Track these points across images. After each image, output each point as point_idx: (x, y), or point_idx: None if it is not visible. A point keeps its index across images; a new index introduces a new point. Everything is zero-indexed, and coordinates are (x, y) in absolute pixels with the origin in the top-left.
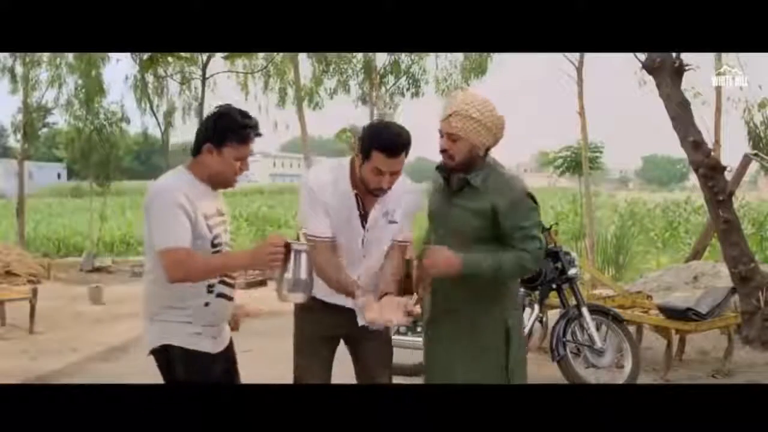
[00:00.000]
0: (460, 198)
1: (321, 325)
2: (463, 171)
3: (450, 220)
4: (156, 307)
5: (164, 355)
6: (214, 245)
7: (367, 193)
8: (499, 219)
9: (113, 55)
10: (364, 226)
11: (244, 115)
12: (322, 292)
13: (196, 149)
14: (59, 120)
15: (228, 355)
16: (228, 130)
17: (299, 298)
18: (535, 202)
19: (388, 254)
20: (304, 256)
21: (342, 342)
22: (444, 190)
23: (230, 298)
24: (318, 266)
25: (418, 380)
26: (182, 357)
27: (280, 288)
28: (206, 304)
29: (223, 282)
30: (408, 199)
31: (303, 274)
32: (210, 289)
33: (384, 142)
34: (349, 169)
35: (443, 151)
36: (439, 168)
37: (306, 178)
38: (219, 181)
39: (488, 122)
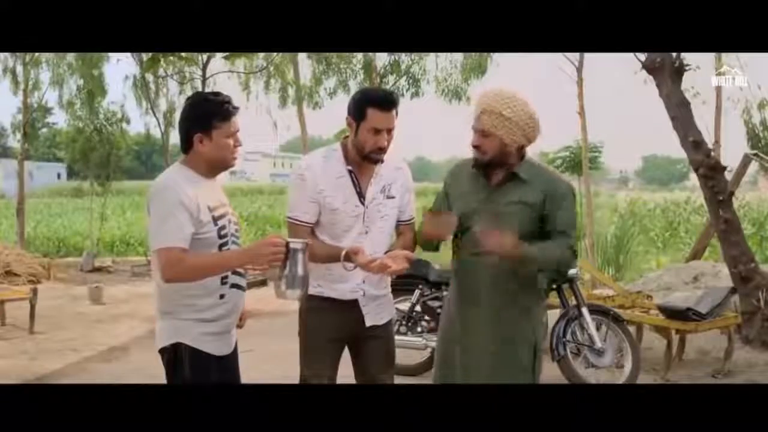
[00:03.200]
0: (504, 193)
1: (327, 327)
2: (497, 166)
3: (495, 217)
4: (168, 304)
5: (173, 353)
6: (221, 236)
7: (362, 169)
8: (546, 210)
9: (113, 55)
10: (363, 203)
11: (216, 94)
12: (328, 288)
13: (186, 144)
14: (59, 120)
15: (231, 361)
16: (208, 113)
17: (297, 294)
18: (574, 195)
19: (398, 234)
20: (300, 254)
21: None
22: (480, 187)
23: (243, 289)
24: None
25: (419, 380)
26: (190, 356)
27: (278, 285)
28: (221, 296)
29: (235, 272)
30: (402, 174)
31: (301, 272)
32: (224, 280)
33: (377, 96)
34: (342, 151)
35: (475, 147)
36: (476, 165)
37: (298, 165)
38: (218, 166)
39: (519, 120)
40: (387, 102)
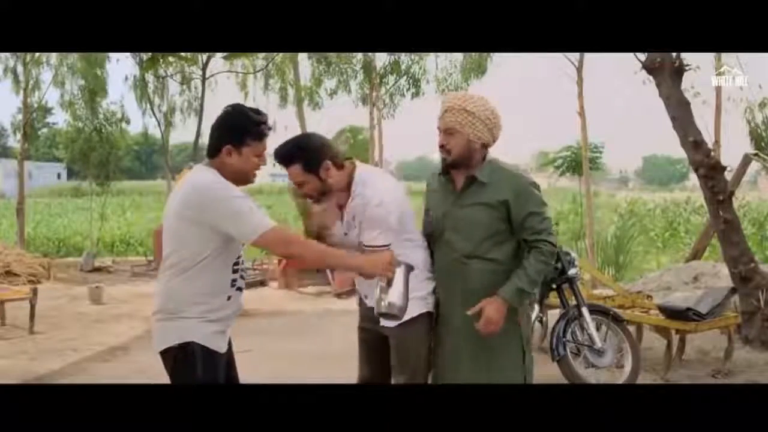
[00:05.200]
0: (468, 196)
1: (361, 319)
2: (462, 167)
3: (460, 220)
4: (177, 304)
5: (182, 352)
6: (235, 263)
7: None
8: (510, 210)
9: (113, 55)
10: (345, 232)
11: (257, 112)
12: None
13: (214, 151)
14: (59, 120)
15: (229, 357)
16: (245, 130)
17: (396, 311)
18: (537, 187)
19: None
20: (402, 276)
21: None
22: (448, 192)
23: (242, 291)
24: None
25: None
26: (202, 355)
27: (380, 301)
28: (228, 298)
29: (242, 276)
30: (359, 206)
31: (402, 294)
32: (233, 283)
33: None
34: None
35: (441, 147)
36: (441, 172)
37: None
38: (240, 179)
39: (482, 116)
40: (277, 159)
